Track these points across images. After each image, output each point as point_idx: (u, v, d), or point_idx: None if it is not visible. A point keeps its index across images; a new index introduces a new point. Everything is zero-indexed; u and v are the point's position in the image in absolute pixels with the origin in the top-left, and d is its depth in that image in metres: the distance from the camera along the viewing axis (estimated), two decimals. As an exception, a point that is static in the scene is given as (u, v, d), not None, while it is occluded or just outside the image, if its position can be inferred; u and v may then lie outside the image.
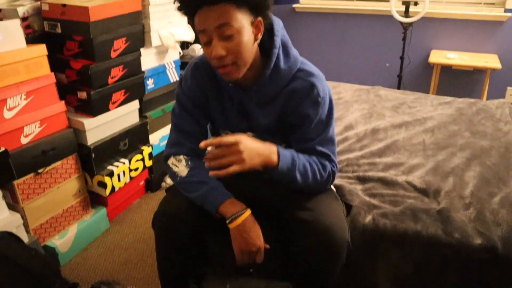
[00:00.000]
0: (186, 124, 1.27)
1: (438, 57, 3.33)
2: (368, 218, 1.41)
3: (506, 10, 3.22)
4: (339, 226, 1.17)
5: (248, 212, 1.17)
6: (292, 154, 1.18)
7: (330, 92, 1.24)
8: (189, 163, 1.24)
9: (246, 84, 1.21)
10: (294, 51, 1.22)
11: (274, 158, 1.14)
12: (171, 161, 1.27)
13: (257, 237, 1.15)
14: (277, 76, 1.18)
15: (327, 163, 1.24)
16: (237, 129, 1.28)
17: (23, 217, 1.74)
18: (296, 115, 1.21)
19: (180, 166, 1.25)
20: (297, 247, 1.17)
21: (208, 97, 1.27)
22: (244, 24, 1.06)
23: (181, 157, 1.26)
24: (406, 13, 3.12)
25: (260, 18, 1.10)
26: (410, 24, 3.12)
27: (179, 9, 1.11)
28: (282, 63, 1.17)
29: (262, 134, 1.26)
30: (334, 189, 1.40)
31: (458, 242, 1.32)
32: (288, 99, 1.20)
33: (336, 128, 2.10)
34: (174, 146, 1.28)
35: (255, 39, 1.12)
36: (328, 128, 1.24)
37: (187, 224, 1.20)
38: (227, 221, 1.16)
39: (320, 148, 1.23)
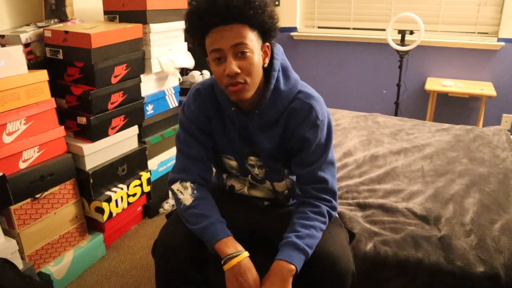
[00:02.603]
0: (192, 149, 1.26)
1: (434, 84, 3.38)
2: (369, 246, 1.40)
3: (499, 39, 3.30)
4: (344, 255, 1.16)
5: (245, 254, 1.13)
6: (297, 244, 1.13)
7: (329, 116, 1.25)
8: (195, 192, 1.23)
9: (248, 108, 1.22)
10: (294, 75, 1.24)
11: (292, 269, 1.10)
12: (177, 186, 1.25)
13: (254, 282, 1.10)
14: (278, 98, 1.19)
15: (322, 206, 1.22)
16: (240, 154, 1.29)
17: (19, 243, 1.71)
18: (296, 138, 1.22)
19: (185, 193, 1.23)
20: (303, 277, 1.15)
21: (211, 122, 1.27)
22: (255, 46, 1.11)
23: (188, 184, 1.24)
24: (402, 42, 3.18)
25: (267, 44, 1.16)
26: (406, 52, 3.18)
27: (191, 29, 1.13)
28: (282, 85, 1.20)
29: (265, 159, 1.27)
30: (337, 216, 1.39)
31: (461, 270, 1.31)
32: (288, 119, 1.21)
33: (335, 154, 2.10)
34: (181, 172, 1.26)
35: (263, 63, 1.16)
36: (327, 151, 1.25)
37: (188, 253, 1.18)
38: (222, 262, 1.12)
39: (320, 173, 1.23)
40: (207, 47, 1.12)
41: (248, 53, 1.09)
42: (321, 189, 1.24)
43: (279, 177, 1.33)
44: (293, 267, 1.10)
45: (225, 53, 1.09)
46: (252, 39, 1.10)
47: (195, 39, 1.15)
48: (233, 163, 1.33)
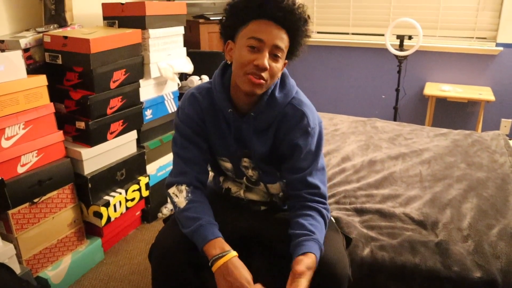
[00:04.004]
0: (187, 152, 1.27)
1: (433, 89, 3.38)
2: (366, 251, 1.40)
3: (497, 44, 3.31)
4: (340, 260, 1.16)
5: (232, 254, 1.12)
6: (316, 241, 1.13)
7: (320, 123, 1.28)
8: (189, 195, 1.23)
9: (244, 110, 1.24)
10: (291, 81, 1.27)
11: (314, 260, 1.10)
12: (173, 190, 1.26)
13: (244, 279, 1.08)
14: (273, 103, 1.22)
15: (319, 207, 1.23)
16: (234, 156, 1.30)
17: (16, 247, 1.71)
18: (286, 144, 1.24)
19: (180, 196, 1.24)
20: None
21: (206, 125, 1.28)
22: (284, 56, 1.19)
23: (183, 187, 1.25)
24: (401, 47, 3.20)
25: (286, 61, 1.23)
26: (405, 57, 3.19)
27: (243, 7, 1.15)
28: (277, 91, 1.23)
29: (258, 162, 1.28)
30: (334, 220, 1.39)
31: (458, 276, 1.31)
32: (279, 125, 1.24)
33: (333, 159, 2.11)
34: (178, 175, 1.27)
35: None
36: (318, 158, 1.27)
37: (185, 257, 1.17)
38: (209, 264, 1.12)
39: (310, 179, 1.24)
40: (245, 32, 1.14)
41: (279, 59, 1.16)
42: (313, 194, 1.25)
43: (272, 179, 1.34)
44: (314, 259, 1.10)
45: (263, 46, 1.12)
46: (285, 49, 1.17)
47: (237, 18, 1.16)
48: (228, 165, 1.34)
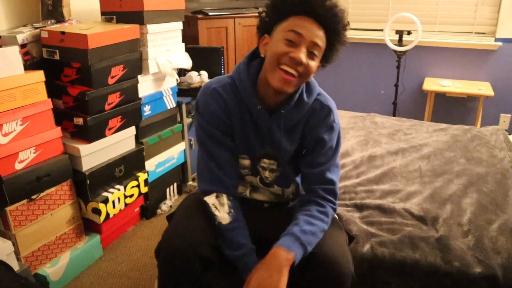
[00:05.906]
0: (219, 156, 1.24)
1: (432, 84, 3.38)
2: (366, 247, 1.40)
3: (496, 39, 3.30)
4: (344, 257, 1.15)
5: None
6: (297, 237, 1.13)
7: (339, 121, 1.30)
8: (232, 211, 1.21)
9: (272, 107, 1.23)
10: (314, 82, 1.29)
11: (290, 258, 1.08)
12: (212, 201, 1.22)
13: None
14: (301, 101, 1.23)
15: (328, 207, 1.24)
16: (255, 155, 1.29)
17: (14, 244, 1.71)
18: (311, 138, 1.25)
19: (221, 211, 1.20)
20: (302, 280, 1.14)
21: (232, 121, 1.25)
22: (319, 57, 1.17)
23: (225, 200, 1.22)
24: (400, 42, 3.18)
25: (320, 65, 1.22)
26: (404, 52, 3.18)
27: (283, 4, 1.14)
28: (305, 90, 1.25)
29: (282, 161, 1.28)
30: (337, 217, 1.38)
31: (458, 271, 1.30)
32: (307, 119, 1.25)
33: (333, 154, 2.11)
34: (214, 182, 1.24)
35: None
36: (336, 154, 1.29)
37: (194, 258, 1.13)
38: None
39: (328, 175, 1.25)
40: (284, 26, 1.13)
41: (316, 57, 1.15)
42: (328, 190, 1.26)
43: (288, 182, 1.34)
44: (292, 255, 1.08)
45: (302, 41, 1.11)
46: (322, 50, 1.16)
47: (278, 13, 1.15)
48: (246, 162, 1.32)
